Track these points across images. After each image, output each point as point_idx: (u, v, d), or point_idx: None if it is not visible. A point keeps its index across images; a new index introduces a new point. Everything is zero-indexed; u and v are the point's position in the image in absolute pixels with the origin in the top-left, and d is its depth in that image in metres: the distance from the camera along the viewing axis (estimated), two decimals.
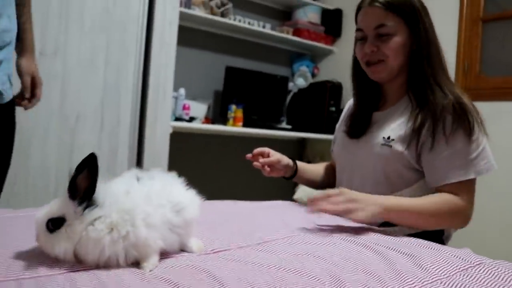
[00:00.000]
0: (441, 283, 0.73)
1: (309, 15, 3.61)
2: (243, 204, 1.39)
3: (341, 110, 1.63)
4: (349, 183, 1.39)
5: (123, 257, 0.72)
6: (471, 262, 0.85)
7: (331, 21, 3.67)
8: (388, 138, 1.29)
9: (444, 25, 2.78)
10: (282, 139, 3.62)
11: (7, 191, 2.11)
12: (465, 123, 1.20)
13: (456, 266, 0.81)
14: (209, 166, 3.29)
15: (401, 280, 0.73)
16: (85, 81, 2.30)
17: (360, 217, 1.09)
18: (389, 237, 1.03)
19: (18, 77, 1.46)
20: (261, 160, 1.41)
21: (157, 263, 0.75)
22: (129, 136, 2.44)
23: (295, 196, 3.08)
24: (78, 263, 0.72)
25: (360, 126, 1.40)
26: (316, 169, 1.61)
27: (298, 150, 3.79)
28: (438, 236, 1.30)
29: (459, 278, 0.76)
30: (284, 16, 3.71)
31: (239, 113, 3.08)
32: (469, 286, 0.72)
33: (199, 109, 3.01)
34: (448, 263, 0.83)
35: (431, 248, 0.93)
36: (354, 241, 0.95)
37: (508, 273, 0.79)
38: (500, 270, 0.80)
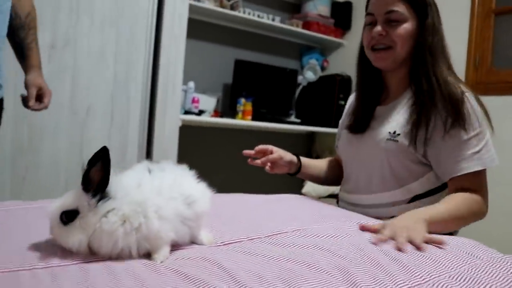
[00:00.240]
0: (449, 276, 0.73)
1: (318, 8, 3.59)
2: (253, 197, 1.40)
3: None
4: (356, 179, 1.39)
5: (135, 249, 0.74)
6: (479, 255, 0.85)
7: (341, 14, 3.65)
8: (394, 132, 1.29)
9: (455, 18, 2.76)
10: (291, 133, 3.62)
11: (18, 184, 2.14)
12: (467, 116, 1.20)
13: (464, 259, 0.82)
14: (218, 160, 3.30)
15: (409, 273, 0.73)
16: (95, 74, 2.32)
17: (419, 243, 0.92)
18: None
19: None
20: (263, 158, 1.42)
21: (168, 254, 0.76)
22: (138, 129, 2.46)
23: (304, 190, 3.09)
24: (91, 255, 0.73)
25: (363, 121, 1.39)
26: (320, 164, 1.61)
27: (307, 144, 3.79)
28: None
29: (467, 271, 0.76)
30: (294, 9, 3.69)
31: (248, 107, 3.08)
32: (477, 279, 0.72)
33: (208, 102, 3.02)
34: (456, 256, 0.83)
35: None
36: (362, 234, 0.95)
37: None
38: (510, 264, 0.80)
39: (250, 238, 0.90)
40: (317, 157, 2.43)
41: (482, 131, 1.22)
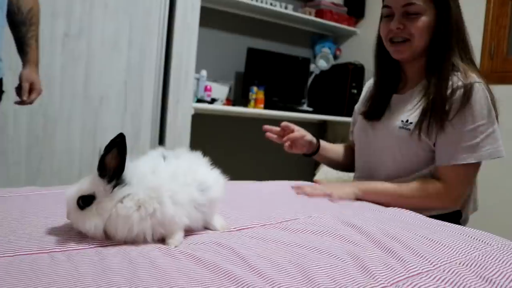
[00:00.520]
0: (460, 262, 0.74)
1: None
2: (265, 184, 1.41)
3: None
4: (367, 165, 1.41)
5: (150, 234, 0.75)
6: (491, 243, 0.85)
7: (354, 2, 3.62)
8: (407, 121, 1.29)
9: (471, 5, 2.71)
10: (303, 121, 3.62)
11: (34, 171, 2.18)
12: (468, 109, 1.20)
13: (475, 247, 0.82)
14: (230, 148, 3.31)
15: (420, 259, 0.74)
16: (109, 63, 2.33)
17: (336, 195, 1.23)
18: (407, 218, 1.04)
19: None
20: (291, 134, 1.46)
21: (182, 239, 0.78)
22: (151, 117, 2.48)
23: (316, 177, 3.09)
24: (107, 239, 0.75)
25: (378, 108, 1.40)
26: (338, 149, 1.62)
27: (319, 133, 3.79)
28: (455, 219, 1.30)
29: (478, 257, 0.76)
30: None
31: (261, 95, 3.08)
32: (487, 265, 0.72)
33: (220, 90, 3.02)
34: (467, 244, 0.83)
35: (449, 230, 0.94)
36: (373, 222, 0.96)
37: None
38: None
39: (262, 224, 0.92)
40: None
41: (485, 123, 1.21)
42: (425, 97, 1.27)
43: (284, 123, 1.47)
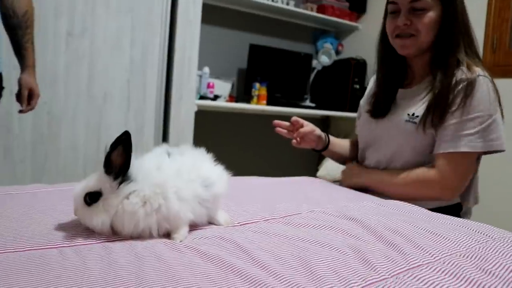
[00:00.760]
0: (460, 255, 0.75)
1: None
2: (268, 179, 1.42)
3: (365, 88, 1.63)
4: (375, 160, 1.42)
5: (156, 229, 0.77)
6: (491, 235, 0.86)
7: None
8: (413, 114, 1.30)
9: None
10: (306, 117, 3.59)
11: (39, 169, 2.21)
12: (468, 101, 1.21)
13: (476, 239, 0.83)
14: (233, 144, 3.33)
15: (421, 252, 0.75)
16: (112, 61, 2.35)
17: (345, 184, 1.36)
18: (409, 211, 1.05)
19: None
20: (301, 129, 1.48)
21: (187, 234, 0.79)
22: (155, 114, 2.49)
23: (319, 174, 3.11)
24: (113, 235, 0.77)
25: (384, 105, 1.40)
26: (345, 143, 1.64)
27: (322, 128, 3.78)
28: (455, 212, 1.31)
29: (478, 250, 0.78)
30: None
31: (263, 91, 3.09)
32: (487, 257, 0.74)
33: (223, 87, 3.04)
34: (467, 236, 0.84)
35: (451, 222, 0.95)
36: (375, 216, 0.97)
37: None
38: None
39: (265, 218, 0.93)
40: None
41: (484, 115, 1.22)
42: (431, 91, 1.28)
43: (294, 118, 1.49)
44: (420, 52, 1.33)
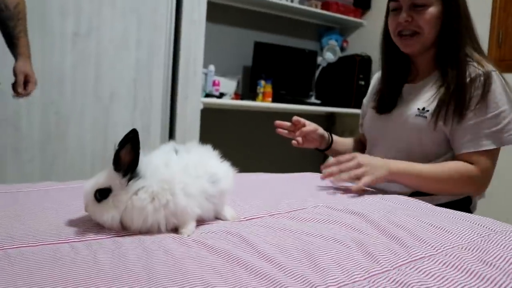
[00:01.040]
0: (462, 247, 0.77)
1: None
2: (273, 176, 1.44)
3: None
4: (382, 156, 1.42)
5: (164, 224, 0.79)
6: (493, 229, 0.88)
7: None
8: (423, 109, 1.31)
9: None
10: (311, 114, 3.64)
11: (48, 168, 2.24)
12: (490, 96, 1.22)
13: (478, 232, 0.85)
14: (239, 141, 3.35)
15: (423, 244, 0.77)
16: (118, 60, 2.37)
17: (365, 181, 1.17)
18: (413, 206, 1.06)
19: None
20: (304, 128, 1.44)
21: (194, 229, 0.81)
22: (161, 113, 2.52)
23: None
24: (123, 230, 0.79)
25: (390, 100, 1.41)
26: (348, 142, 1.64)
27: (327, 125, 3.81)
28: (465, 206, 1.32)
29: (480, 243, 0.79)
30: None
31: (268, 89, 3.11)
32: (488, 250, 0.75)
33: (228, 85, 3.06)
34: (470, 230, 0.86)
35: (454, 216, 0.97)
36: (379, 210, 0.99)
37: None
38: None
39: (270, 214, 0.95)
40: None
41: (507, 109, 1.23)
42: (442, 87, 1.28)
43: (295, 118, 1.47)
44: (424, 50, 1.33)
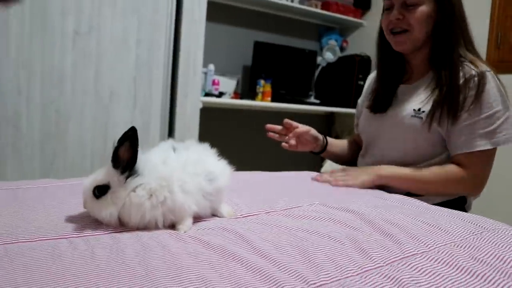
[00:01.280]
0: (454, 245, 0.78)
1: None
2: (270, 174, 1.45)
3: None
4: (378, 157, 1.43)
5: (161, 220, 0.80)
6: (485, 227, 0.89)
7: None
8: (419, 110, 1.32)
9: None
10: (311, 113, 3.65)
11: (47, 166, 2.25)
12: (484, 96, 1.22)
13: (470, 230, 0.86)
14: (238, 141, 3.36)
15: (416, 242, 0.78)
16: (118, 59, 2.38)
17: (347, 183, 1.28)
18: (408, 204, 1.07)
19: None
20: (297, 129, 1.45)
21: (191, 225, 0.82)
22: (161, 111, 2.53)
23: (323, 170, 3.13)
24: (121, 226, 0.80)
25: (385, 100, 1.42)
26: (342, 144, 1.65)
27: (327, 125, 3.82)
28: (460, 205, 1.34)
29: (472, 240, 0.80)
30: None
31: (268, 88, 3.12)
32: (480, 247, 0.76)
33: (228, 84, 3.07)
34: (462, 228, 0.87)
35: (448, 215, 0.98)
36: (373, 208, 1.00)
37: None
38: None
39: (266, 211, 0.96)
40: (336, 137, 2.48)
41: (501, 109, 1.24)
42: (437, 88, 1.29)
43: (286, 120, 1.46)
44: (415, 48, 1.34)
